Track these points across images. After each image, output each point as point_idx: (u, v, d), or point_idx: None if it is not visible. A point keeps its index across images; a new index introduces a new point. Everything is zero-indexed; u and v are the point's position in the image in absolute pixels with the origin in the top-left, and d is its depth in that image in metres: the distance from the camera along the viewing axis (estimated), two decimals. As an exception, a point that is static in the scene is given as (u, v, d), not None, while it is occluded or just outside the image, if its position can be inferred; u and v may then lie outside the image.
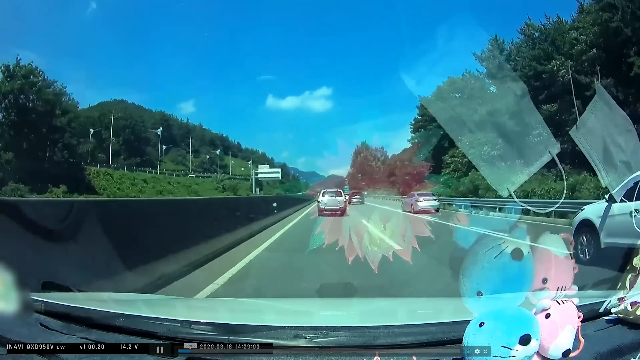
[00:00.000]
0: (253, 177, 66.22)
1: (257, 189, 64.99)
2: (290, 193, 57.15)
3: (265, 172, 67.55)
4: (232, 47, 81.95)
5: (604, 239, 6.22)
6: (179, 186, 59.95)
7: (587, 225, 6.69)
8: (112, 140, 61.47)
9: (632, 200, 5.61)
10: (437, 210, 18.86)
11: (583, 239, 6.61)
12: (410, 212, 18.20)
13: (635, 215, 5.15)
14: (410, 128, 46.54)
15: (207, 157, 79.51)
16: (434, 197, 21.60)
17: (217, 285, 5.08)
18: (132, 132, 67.26)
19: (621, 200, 5.66)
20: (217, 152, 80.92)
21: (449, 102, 33.23)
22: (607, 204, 6.32)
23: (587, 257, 6.36)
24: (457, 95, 36.65)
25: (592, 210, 6.85)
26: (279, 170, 68.22)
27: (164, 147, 73.46)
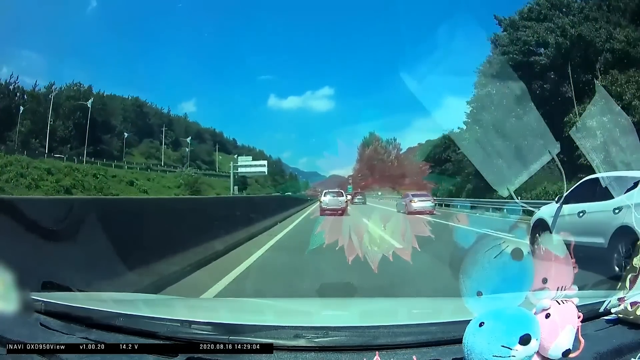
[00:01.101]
0: (232, 172, 53.11)
1: (236, 188, 53.75)
2: (286, 193, 51.46)
3: (246, 165, 54.84)
4: (234, 47, 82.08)
5: None
6: (113, 181, 44.85)
7: (541, 224, 7.13)
8: (50, 122, 49.39)
9: (581, 202, 6.17)
10: (432, 211, 17.96)
11: (538, 237, 7.03)
12: (404, 213, 17.25)
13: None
14: (477, 72, 29.54)
15: (187, 149, 71.39)
16: (429, 198, 20.61)
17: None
18: (87, 116, 54.24)
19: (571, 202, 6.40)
20: (188, 139, 70.89)
21: (555, 22, 23.28)
22: (558, 205, 6.77)
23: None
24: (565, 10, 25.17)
25: (546, 211, 7.28)
26: (265, 163, 55.88)
27: (126, 134, 62.17)
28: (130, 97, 68.29)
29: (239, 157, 57.42)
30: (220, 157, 76.91)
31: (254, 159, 69.58)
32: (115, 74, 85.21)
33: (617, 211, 5.40)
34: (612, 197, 5.48)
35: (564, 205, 6.69)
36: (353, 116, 79.54)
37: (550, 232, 6.63)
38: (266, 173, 57.04)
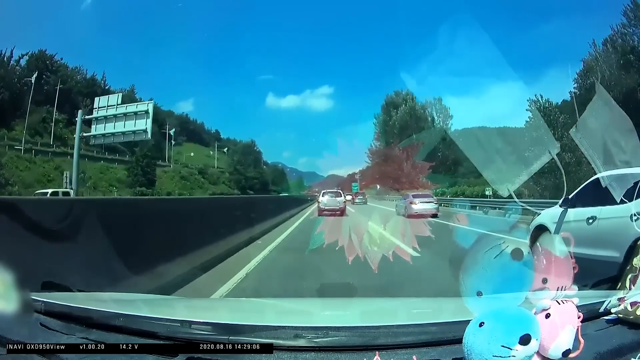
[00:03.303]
0: (77, 135, 26.05)
1: (74, 180, 25.69)
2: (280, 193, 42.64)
3: (105, 116, 25.50)
4: (231, 45, 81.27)
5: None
6: None
7: (542, 231, 6.02)
8: None
9: (589, 206, 5.14)
10: (435, 214, 16.31)
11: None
12: (403, 215, 15.78)
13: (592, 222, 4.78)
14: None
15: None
16: (432, 199, 19.00)
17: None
18: None
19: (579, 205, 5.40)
20: (32, 78, 43.26)
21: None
22: (562, 209, 5.64)
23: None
24: None
25: (548, 215, 6.29)
26: (146, 109, 25.35)
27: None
28: (37, 52, 45.78)
29: (98, 99, 27.01)
30: (177, 148, 61.82)
31: (235, 153, 52.22)
32: (113, 72, 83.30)
33: (636, 217, 4.42)
34: (630, 200, 4.49)
35: (569, 209, 5.53)
36: (353, 115, 79.20)
37: None
38: (148, 135, 26.47)
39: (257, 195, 32.73)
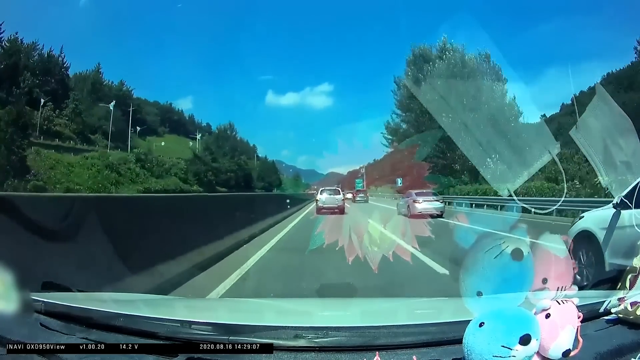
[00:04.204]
0: None
1: None
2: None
3: None
4: (232, 43, 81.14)
5: (610, 259, 4.43)
6: None
7: (587, 239, 4.80)
8: None
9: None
10: (440, 214, 15.27)
11: (582, 256, 4.78)
12: (406, 215, 14.83)
13: None
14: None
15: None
16: (437, 197, 17.91)
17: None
18: None
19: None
20: None
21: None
22: (614, 210, 4.50)
23: (588, 281, 4.10)
24: None
25: (594, 219, 5.01)
26: None
27: None
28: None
29: None
30: (152, 138, 55.47)
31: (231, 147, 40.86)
32: (113, 71, 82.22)
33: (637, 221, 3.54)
34: None
35: (623, 211, 4.30)
36: (352, 113, 79.26)
37: (602, 251, 4.54)
38: None
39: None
